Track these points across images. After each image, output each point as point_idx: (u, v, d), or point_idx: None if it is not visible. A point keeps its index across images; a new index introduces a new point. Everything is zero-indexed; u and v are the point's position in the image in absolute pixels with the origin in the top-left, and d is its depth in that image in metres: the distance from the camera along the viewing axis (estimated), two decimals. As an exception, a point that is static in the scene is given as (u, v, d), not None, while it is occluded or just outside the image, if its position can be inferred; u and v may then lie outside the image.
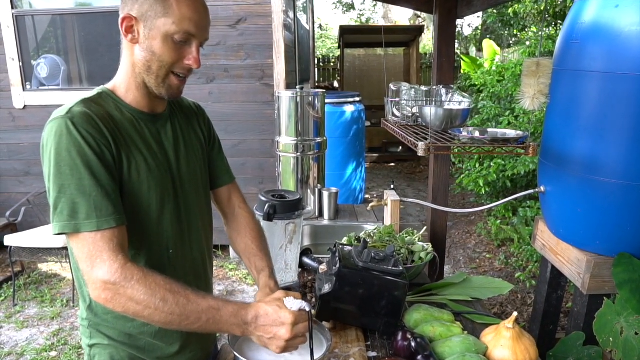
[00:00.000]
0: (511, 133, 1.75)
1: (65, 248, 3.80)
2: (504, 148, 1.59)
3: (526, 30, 5.90)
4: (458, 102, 2.05)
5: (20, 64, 4.35)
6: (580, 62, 1.76)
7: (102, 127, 1.01)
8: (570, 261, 1.91)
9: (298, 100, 2.35)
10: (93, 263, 0.96)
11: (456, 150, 1.68)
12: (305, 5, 6.96)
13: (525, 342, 1.21)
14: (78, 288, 1.14)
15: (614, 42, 1.65)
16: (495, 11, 6.13)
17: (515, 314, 1.24)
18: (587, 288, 1.81)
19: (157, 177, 1.10)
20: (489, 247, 4.51)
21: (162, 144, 1.15)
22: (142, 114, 1.12)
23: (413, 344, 1.18)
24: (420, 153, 1.50)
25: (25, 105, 4.39)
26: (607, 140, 1.72)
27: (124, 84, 1.11)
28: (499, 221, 4.21)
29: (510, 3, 5.13)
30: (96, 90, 1.11)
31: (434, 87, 2.22)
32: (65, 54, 4.61)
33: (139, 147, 1.08)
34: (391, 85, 2.29)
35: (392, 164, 8.47)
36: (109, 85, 1.12)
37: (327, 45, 16.07)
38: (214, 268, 4.27)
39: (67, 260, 3.68)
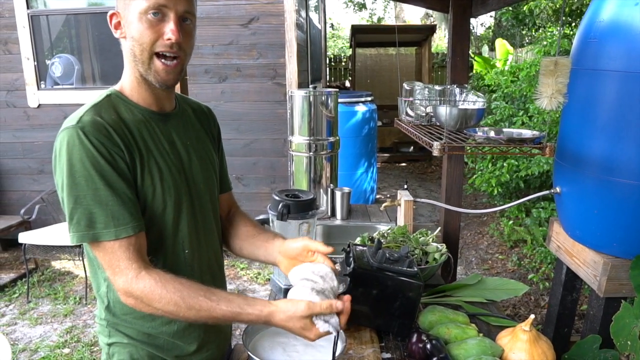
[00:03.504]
0: (527, 133, 1.73)
1: (79, 246, 3.83)
2: (520, 148, 1.57)
3: (541, 29, 5.84)
4: (473, 101, 2.03)
5: (35, 63, 4.40)
6: (598, 61, 1.74)
7: (113, 135, 1.00)
8: (586, 263, 1.89)
9: (311, 99, 2.35)
10: (114, 272, 0.99)
11: (470, 151, 1.66)
12: (317, 4, 6.95)
13: (543, 345, 1.19)
14: (95, 290, 1.15)
15: (633, 41, 1.62)
16: (510, 9, 6.06)
17: (532, 316, 1.22)
18: (604, 291, 1.78)
19: (172, 179, 1.09)
20: (501, 248, 4.47)
21: (174, 143, 1.13)
22: (152, 114, 1.11)
23: (428, 346, 1.17)
24: (435, 153, 1.49)
25: (39, 104, 4.43)
26: (625, 141, 1.69)
27: (128, 82, 1.10)
28: (511, 222, 4.17)
29: (525, 1, 5.07)
30: (105, 93, 1.10)
31: (448, 87, 2.20)
32: (79, 53, 4.66)
33: (151, 150, 1.07)
34: (405, 85, 2.28)
35: (404, 164, 8.43)
36: (116, 87, 1.11)
37: (338, 44, 16.05)
38: (225, 267, 4.29)
39: (80, 258, 3.71)
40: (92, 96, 1.09)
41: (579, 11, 4.63)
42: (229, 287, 3.92)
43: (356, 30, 9.07)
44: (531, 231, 3.84)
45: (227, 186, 1.36)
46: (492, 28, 9.64)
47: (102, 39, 4.58)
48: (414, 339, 1.20)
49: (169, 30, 1.02)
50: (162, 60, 1.04)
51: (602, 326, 1.83)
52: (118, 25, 1.05)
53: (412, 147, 8.40)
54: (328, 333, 0.99)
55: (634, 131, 1.67)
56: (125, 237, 0.98)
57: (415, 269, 1.32)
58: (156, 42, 1.02)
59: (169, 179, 1.08)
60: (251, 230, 1.30)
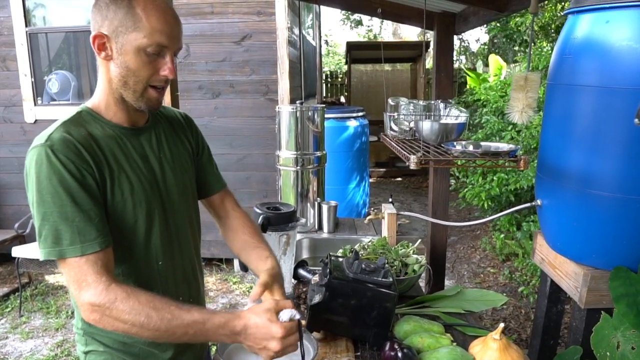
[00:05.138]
0: (504, 147, 1.76)
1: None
2: (495, 161, 1.61)
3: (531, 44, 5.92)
4: (455, 116, 2.08)
5: (32, 79, 4.47)
6: (573, 76, 1.78)
7: (82, 152, 1.02)
8: (568, 275, 1.91)
9: (298, 115, 2.39)
10: (80, 287, 0.98)
11: (448, 164, 1.70)
12: (312, 21, 7.06)
13: (513, 353, 1.21)
14: (72, 301, 1.17)
15: (605, 57, 1.67)
16: (498, 25, 6.16)
17: (502, 325, 1.24)
18: (585, 302, 1.80)
19: (143, 193, 1.11)
20: (493, 261, 4.48)
21: (147, 157, 1.16)
22: (124, 129, 1.13)
23: (400, 354, 1.19)
24: (412, 166, 1.53)
25: (36, 120, 4.49)
26: (601, 154, 1.73)
27: (103, 100, 1.12)
28: (503, 235, 4.19)
29: (512, 16, 5.16)
30: (75, 110, 1.12)
31: (433, 102, 2.25)
32: (76, 70, 4.73)
33: (122, 166, 1.09)
34: (389, 100, 2.33)
35: (399, 179, 8.47)
36: (88, 104, 1.13)
37: (335, 60, 16.21)
38: (218, 281, 4.30)
39: (73, 272, 3.72)
40: (59, 120, 1.11)
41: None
42: (221, 300, 3.93)
43: (352, 46, 9.19)
44: (522, 245, 3.86)
45: (219, 185, 1.37)
46: (487, 44, 9.77)
47: (98, 56, 4.66)
48: (387, 347, 1.23)
49: (167, 68, 1.07)
50: (155, 89, 1.10)
51: (584, 337, 1.84)
52: (102, 47, 1.07)
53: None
54: (291, 320, 1.01)
55: (609, 144, 1.71)
56: (92, 252, 0.99)
57: (391, 279, 1.34)
58: (152, 76, 1.07)
59: (140, 192, 1.10)
60: (249, 241, 1.30)
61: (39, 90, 4.53)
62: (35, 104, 4.50)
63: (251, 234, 1.32)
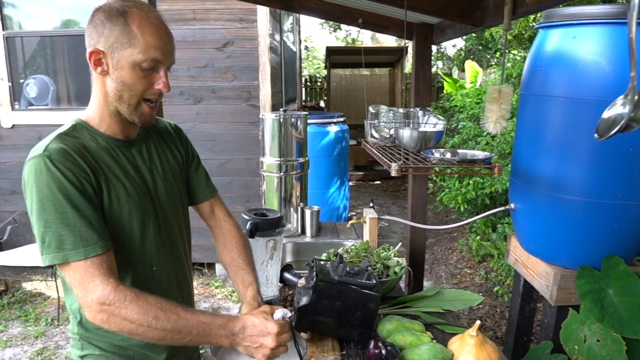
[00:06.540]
0: (479, 154, 1.86)
1: (51, 267, 3.81)
2: (472, 168, 1.70)
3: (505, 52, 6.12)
4: (433, 124, 2.17)
5: (10, 84, 4.41)
6: (544, 87, 1.89)
7: (79, 161, 1.06)
8: (540, 274, 2.01)
9: (281, 121, 2.45)
10: (86, 288, 1.02)
11: (427, 171, 1.78)
12: (292, 26, 7.13)
13: (488, 348, 1.29)
14: (68, 307, 1.21)
15: (573, 70, 1.78)
16: (474, 35, 6.35)
17: (478, 322, 1.33)
18: (555, 300, 1.90)
19: (137, 201, 1.16)
20: (470, 262, 4.61)
21: (139, 167, 1.21)
22: (117, 141, 1.18)
23: (384, 351, 1.26)
24: (393, 173, 1.60)
25: (13, 125, 4.43)
26: (570, 161, 1.84)
27: (97, 114, 1.17)
28: (479, 237, 4.32)
29: (488, 28, 5.34)
30: (70, 122, 1.17)
31: (412, 110, 2.34)
32: (54, 74, 4.69)
33: (116, 175, 1.14)
34: (370, 108, 2.40)
35: (378, 182, 8.59)
36: (82, 116, 1.18)
37: (314, 65, 16.30)
38: (200, 286, 4.32)
39: (53, 279, 3.70)
40: (67, 117, 1.16)
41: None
42: (203, 305, 3.94)
43: (331, 51, 9.29)
44: (497, 246, 3.99)
45: (209, 192, 1.43)
46: (463, 50, 9.99)
47: (78, 61, 4.63)
48: (371, 345, 1.30)
49: (161, 82, 1.13)
50: (148, 103, 1.15)
51: (554, 333, 1.94)
52: (99, 63, 1.11)
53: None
54: (283, 319, 1.10)
55: (576, 152, 1.82)
56: (95, 255, 1.03)
57: (374, 281, 1.42)
58: (147, 90, 1.12)
59: (134, 200, 1.15)
60: (236, 260, 1.36)
61: (16, 94, 4.47)
62: (12, 109, 4.44)
63: (239, 251, 1.38)
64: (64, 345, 3.37)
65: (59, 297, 3.84)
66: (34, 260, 3.56)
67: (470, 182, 3.95)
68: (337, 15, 2.67)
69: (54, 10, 4.55)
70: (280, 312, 1.10)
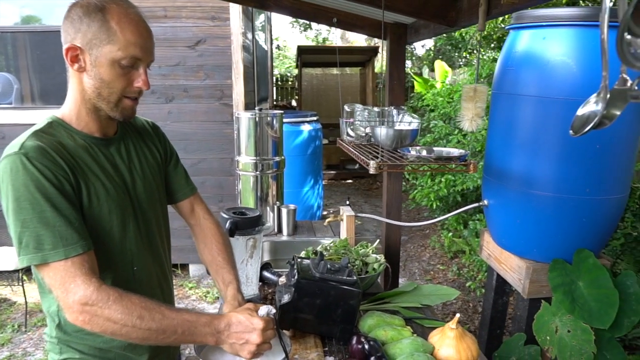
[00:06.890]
0: (454, 152, 1.90)
1: (18, 271, 3.68)
2: (447, 166, 1.74)
3: (474, 52, 6.27)
4: (408, 122, 2.20)
5: (-30, 82, 4.24)
6: (515, 86, 1.95)
7: (57, 159, 1.03)
8: (512, 268, 2.07)
9: (257, 120, 2.44)
10: (67, 288, 0.99)
11: (405, 168, 1.81)
12: (263, 24, 7.10)
13: (467, 340, 1.33)
14: (45, 310, 1.17)
15: (542, 70, 1.84)
16: (444, 35, 6.47)
17: (457, 315, 1.36)
18: (527, 292, 1.96)
19: (116, 199, 1.14)
20: (442, 259, 4.70)
21: (117, 166, 1.18)
22: (94, 139, 1.16)
23: (366, 346, 1.28)
24: (372, 171, 1.62)
25: (-26, 124, 4.26)
26: (540, 158, 1.90)
27: (74, 111, 1.14)
28: (451, 234, 4.41)
29: (458, 29, 5.46)
30: (46, 119, 1.13)
31: (386, 108, 2.37)
32: (17, 72, 4.53)
33: (95, 173, 1.11)
34: (345, 107, 2.42)
35: (350, 181, 8.64)
36: (58, 114, 1.15)
37: (285, 64, 16.27)
38: (174, 287, 4.25)
39: (20, 284, 3.57)
40: (32, 116, 1.12)
41: (504, 38, 5.03)
42: (178, 306, 3.88)
43: (302, 50, 9.29)
44: (469, 242, 4.08)
45: (188, 190, 1.40)
46: (432, 50, 10.15)
47: (42, 58, 4.49)
48: (354, 341, 1.31)
49: (141, 80, 1.11)
50: (129, 99, 1.13)
51: (527, 325, 2.01)
52: (76, 59, 1.08)
53: (357, 165, 8.62)
54: (268, 316, 1.10)
55: (547, 149, 1.88)
56: (76, 255, 1.00)
57: (355, 278, 1.43)
58: (126, 88, 1.10)
59: (114, 199, 1.13)
60: (216, 259, 1.35)
61: (-23, 93, 4.31)
62: (-27, 108, 4.27)
63: (219, 249, 1.37)
64: (33, 352, 3.27)
65: (26, 302, 3.71)
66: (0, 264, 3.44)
67: (442, 179, 4.02)
68: (311, 14, 2.67)
69: (14, 7, 4.40)
70: (265, 309, 1.10)
